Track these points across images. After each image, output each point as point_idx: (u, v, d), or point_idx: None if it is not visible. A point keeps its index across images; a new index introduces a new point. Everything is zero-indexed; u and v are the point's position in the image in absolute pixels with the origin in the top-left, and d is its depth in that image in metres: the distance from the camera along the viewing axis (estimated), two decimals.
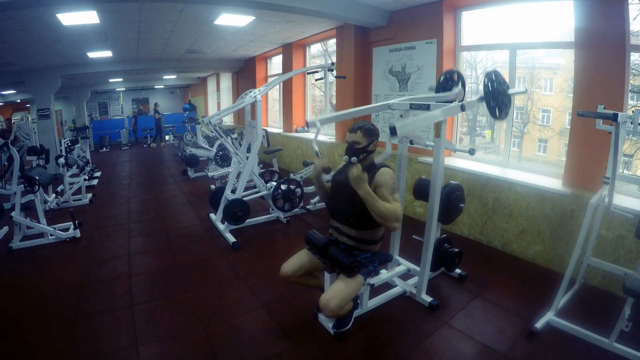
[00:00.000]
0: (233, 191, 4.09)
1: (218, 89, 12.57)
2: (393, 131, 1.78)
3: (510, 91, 2.40)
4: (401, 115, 2.69)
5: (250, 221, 4.20)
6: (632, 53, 2.76)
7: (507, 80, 2.42)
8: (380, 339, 2.27)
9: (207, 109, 14.37)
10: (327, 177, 2.31)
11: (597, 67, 2.85)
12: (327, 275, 2.26)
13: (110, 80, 12.45)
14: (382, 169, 2.10)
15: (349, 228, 2.16)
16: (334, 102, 5.91)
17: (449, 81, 2.69)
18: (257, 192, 4.36)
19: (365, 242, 2.17)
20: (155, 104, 12.92)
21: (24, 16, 4.08)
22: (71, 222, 4.03)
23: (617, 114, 2.00)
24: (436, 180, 2.43)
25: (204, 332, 2.36)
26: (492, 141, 4.57)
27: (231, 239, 3.77)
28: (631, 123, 2.21)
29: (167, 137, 13.73)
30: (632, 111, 2.29)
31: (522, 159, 4.00)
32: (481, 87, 2.37)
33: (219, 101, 12.58)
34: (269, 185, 4.30)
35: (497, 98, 2.29)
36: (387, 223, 1.96)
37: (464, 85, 2.61)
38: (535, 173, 3.50)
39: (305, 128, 2.51)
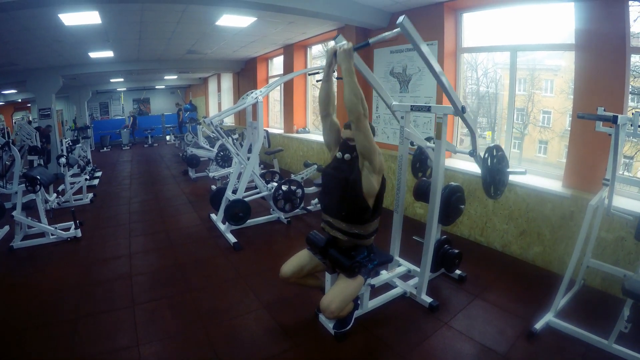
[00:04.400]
0: (234, 192, 4.10)
1: (219, 90, 12.58)
2: None
3: (509, 170, 2.40)
4: (402, 117, 2.71)
5: (251, 222, 4.21)
6: (632, 55, 2.77)
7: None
8: (381, 340, 2.28)
9: (208, 109, 14.39)
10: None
11: (598, 69, 2.86)
12: (327, 276, 2.27)
13: (112, 80, 12.47)
14: None
15: (340, 222, 2.13)
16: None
17: None
18: (258, 193, 4.37)
19: (357, 237, 2.14)
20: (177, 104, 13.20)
21: (26, 16, 4.09)
22: (72, 222, 4.04)
23: (617, 116, 2.01)
24: (437, 181, 2.44)
25: (205, 332, 2.37)
26: (493, 142, 4.57)
27: (232, 239, 3.78)
28: (631, 125, 2.23)
29: (167, 137, 13.80)
30: (632, 113, 2.30)
31: (522, 161, 4.01)
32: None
33: (220, 102, 12.59)
34: (269, 185, 4.31)
35: (495, 177, 2.28)
36: (357, 102, 1.91)
37: None
38: (536, 174, 3.51)
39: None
